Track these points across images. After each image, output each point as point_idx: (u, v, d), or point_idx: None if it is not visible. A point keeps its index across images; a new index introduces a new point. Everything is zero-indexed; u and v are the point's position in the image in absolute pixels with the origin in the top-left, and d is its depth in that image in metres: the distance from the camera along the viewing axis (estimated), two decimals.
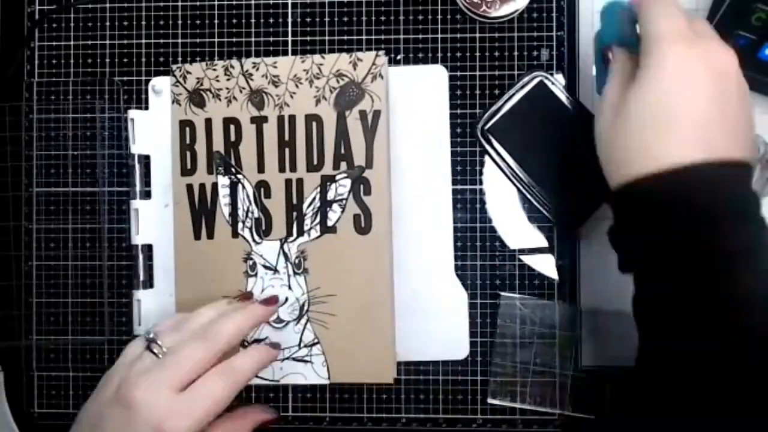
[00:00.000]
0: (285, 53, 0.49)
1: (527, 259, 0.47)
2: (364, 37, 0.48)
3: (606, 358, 0.46)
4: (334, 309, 0.46)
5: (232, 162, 0.47)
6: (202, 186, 0.47)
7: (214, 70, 0.47)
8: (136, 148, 0.48)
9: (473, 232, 0.47)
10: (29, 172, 0.50)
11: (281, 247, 0.46)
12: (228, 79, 0.47)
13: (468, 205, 0.47)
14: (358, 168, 0.45)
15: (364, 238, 0.45)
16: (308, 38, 0.49)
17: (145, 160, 0.49)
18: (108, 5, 0.50)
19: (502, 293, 0.47)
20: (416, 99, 0.47)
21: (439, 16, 0.48)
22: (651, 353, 0.35)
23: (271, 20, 0.49)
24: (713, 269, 0.32)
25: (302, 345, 0.46)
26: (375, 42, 0.48)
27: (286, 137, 0.47)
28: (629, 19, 0.38)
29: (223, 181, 0.47)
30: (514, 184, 0.46)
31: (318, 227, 0.46)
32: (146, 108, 0.49)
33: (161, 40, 0.49)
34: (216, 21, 0.49)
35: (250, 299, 0.45)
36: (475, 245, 0.47)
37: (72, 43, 0.50)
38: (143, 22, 0.49)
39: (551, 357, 0.46)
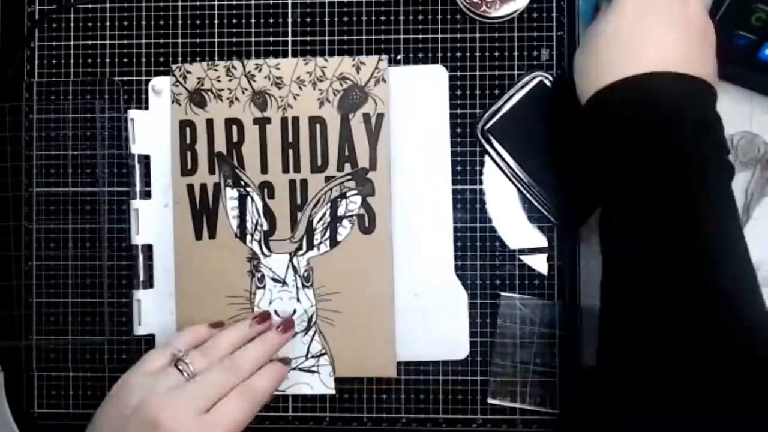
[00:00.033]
0: (285, 53, 0.49)
1: (527, 259, 0.47)
2: (364, 37, 0.48)
3: None
4: (339, 306, 0.46)
5: (235, 163, 0.47)
6: (203, 186, 0.47)
7: (216, 70, 0.47)
8: (136, 148, 0.48)
9: (473, 232, 0.47)
10: (29, 172, 0.50)
11: (290, 260, 0.47)
12: (230, 80, 0.47)
13: (468, 205, 0.47)
14: (368, 184, 0.46)
15: (368, 238, 0.46)
16: (308, 38, 0.49)
17: (145, 160, 0.49)
18: (108, 5, 0.50)
19: (502, 293, 0.47)
20: (416, 99, 0.47)
21: (439, 16, 0.48)
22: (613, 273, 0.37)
23: (271, 20, 0.49)
24: (685, 171, 0.34)
25: (309, 356, 0.47)
26: (375, 42, 0.48)
27: (290, 139, 0.47)
28: None
29: (232, 193, 0.47)
30: (514, 184, 0.46)
31: (328, 242, 0.46)
32: (146, 108, 0.49)
33: (161, 40, 0.49)
34: (216, 21, 0.49)
35: (268, 319, 0.45)
36: (475, 245, 0.47)
37: (72, 43, 0.50)
38: (143, 22, 0.49)
39: (551, 357, 0.46)
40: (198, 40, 0.49)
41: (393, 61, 0.48)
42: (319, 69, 0.47)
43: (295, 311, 0.47)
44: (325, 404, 0.48)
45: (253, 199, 0.47)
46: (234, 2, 0.49)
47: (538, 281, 0.47)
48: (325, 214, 0.46)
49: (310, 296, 0.47)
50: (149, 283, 0.49)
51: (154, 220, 0.49)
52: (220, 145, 0.47)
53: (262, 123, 0.47)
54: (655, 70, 0.35)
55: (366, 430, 0.48)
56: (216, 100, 0.47)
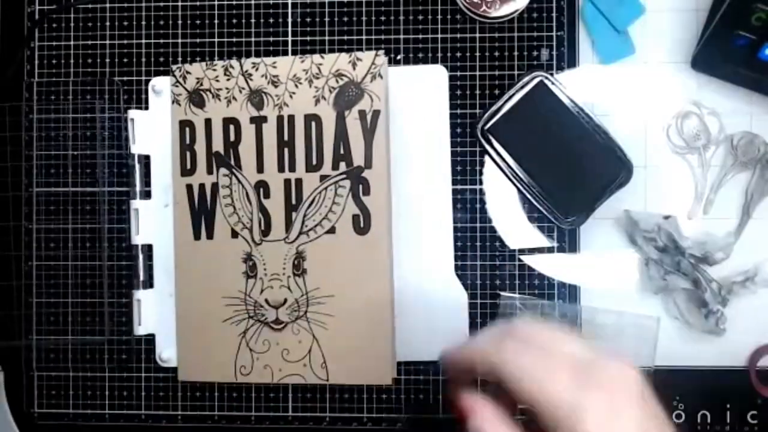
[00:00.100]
0: (285, 53, 0.49)
1: (527, 259, 0.47)
2: (364, 37, 0.48)
3: None
4: (332, 310, 0.46)
5: (232, 162, 0.47)
6: (202, 186, 0.47)
7: (214, 70, 0.47)
8: (136, 148, 0.48)
9: (473, 232, 0.47)
10: (29, 172, 0.50)
11: (281, 248, 0.46)
12: (228, 79, 0.47)
13: (468, 205, 0.47)
14: (363, 183, 0.46)
15: (363, 239, 0.46)
16: (308, 38, 0.49)
17: (145, 160, 0.49)
18: (108, 5, 0.50)
19: (502, 293, 0.47)
20: (416, 99, 0.47)
21: (439, 16, 0.48)
22: None
23: (271, 20, 0.49)
24: None
25: (300, 345, 0.46)
26: (375, 42, 0.48)
27: (286, 137, 0.47)
28: None
29: (224, 181, 0.47)
30: (514, 184, 0.46)
31: (318, 228, 0.46)
32: (146, 108, 0.49)
33: (161, 40, 0.49)
34: (216, 21, 0.49)
35: None
36: (475, 245, 0.47)
37: (72, 43, 0.50)
38: (143, 22, 0.49)
39: None
40: (198, 40, 0.49)
41: (393, 61, 0.48)
42: (315, 66, 0.46)
43: (286, 300, 0.46)
44: (325, 404, 0.48)
45: (244, 187, 0.47)
46: (234, 2, 0.49)
47: (538, 281, 0.47)
48: (314, 199, 0.46)
49: (300, 285, 0.46)
50: (149, 283, 0.49)
51: (154, 220, 0.49)
52: (218, 145, 0.47)
53: (258, 122, 0.47)
54: None
55: (366, 430, 0.48)
56: (214, 99, 0.47)
